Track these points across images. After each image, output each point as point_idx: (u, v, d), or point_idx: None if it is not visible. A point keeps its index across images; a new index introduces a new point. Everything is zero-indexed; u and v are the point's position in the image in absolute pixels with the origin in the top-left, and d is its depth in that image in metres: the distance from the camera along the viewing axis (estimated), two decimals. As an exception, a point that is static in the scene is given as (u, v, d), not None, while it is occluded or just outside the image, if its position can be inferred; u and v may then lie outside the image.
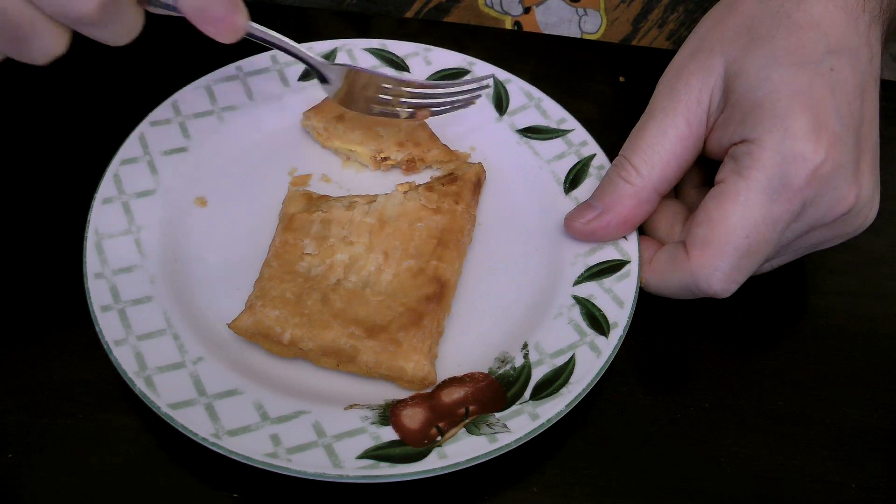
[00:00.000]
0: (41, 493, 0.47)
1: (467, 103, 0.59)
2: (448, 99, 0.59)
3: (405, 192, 0.56)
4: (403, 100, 0.58)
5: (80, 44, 0.60)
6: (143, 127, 0.59)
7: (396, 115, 0.58)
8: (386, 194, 0.56)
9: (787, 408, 0.53)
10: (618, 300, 0.52)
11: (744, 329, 0.56)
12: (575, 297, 0.53)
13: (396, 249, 0.53)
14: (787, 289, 0.59)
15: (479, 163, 0.59)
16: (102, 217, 0.54)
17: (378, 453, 0.46)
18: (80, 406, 0.49)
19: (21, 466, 0.47)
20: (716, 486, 0.49)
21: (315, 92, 0.62)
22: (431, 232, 0.54)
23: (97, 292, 0.51)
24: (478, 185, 0.58)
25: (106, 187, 0.56)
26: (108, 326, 0.49)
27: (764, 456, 0.51)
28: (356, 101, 0.58)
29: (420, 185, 0.56)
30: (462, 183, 0.57)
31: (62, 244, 0.56)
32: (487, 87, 0.61)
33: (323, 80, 0.57)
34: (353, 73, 0.57)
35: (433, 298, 0.51)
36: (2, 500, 0.46)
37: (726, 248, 0.50)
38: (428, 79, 0.63)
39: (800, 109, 0.49)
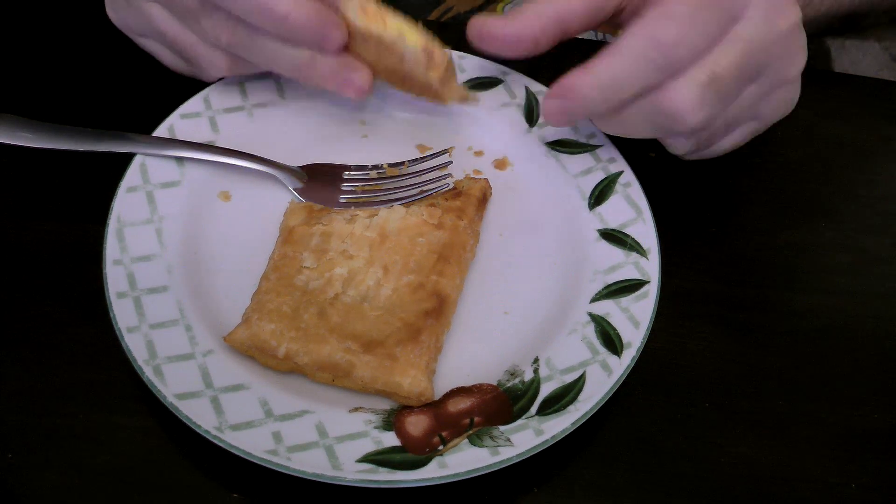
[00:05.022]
0: (41, 493, 0.47)
1: (438, 186, 0.58)
2: (412, 188, 0.58)
3: (407, 207, 0.55)
4: (368, 190, 0.58)
5: (116, 34, 0.59)
6: (173, 119, 0.59)
7: (364, 204, 0.57)
8: (388, 208, 0.56)
9: (787, 408, 0.53)
10: (634, 320, 0.52)
11: (744, 329, 0.56)
12: (591, 315, 0.52)
13: (396, 264, 0.53)
14: (787, 289, 0.59)
15: (485, 178, 0.58)
16: (126, 205, 0.54)
17: (378, 458, 0.46)
18: (80, 406, 0.49)
19: (21, 466, 0.47)
20: (716, 486, 0.50)
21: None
22: (433, 247, 0.53)
23: (114, 279, 0.51)
24: (483, 201, 0.57)
25: (131, 176, 0.56)
26: (123, 313, 0.49)
27: (764, 456, 0.51)
28: (324, 196, 0.57)
29: (423, 201, 0.56)
30: (466, 198, 0.56)
31: (68, 243, 0.56)
32: (448, 166, 0.59)
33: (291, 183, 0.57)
34: (311, 168, 0.58)
35: (432, 314, 0.50)
36: (2, 500, 0.46)
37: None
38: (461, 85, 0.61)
39: None
